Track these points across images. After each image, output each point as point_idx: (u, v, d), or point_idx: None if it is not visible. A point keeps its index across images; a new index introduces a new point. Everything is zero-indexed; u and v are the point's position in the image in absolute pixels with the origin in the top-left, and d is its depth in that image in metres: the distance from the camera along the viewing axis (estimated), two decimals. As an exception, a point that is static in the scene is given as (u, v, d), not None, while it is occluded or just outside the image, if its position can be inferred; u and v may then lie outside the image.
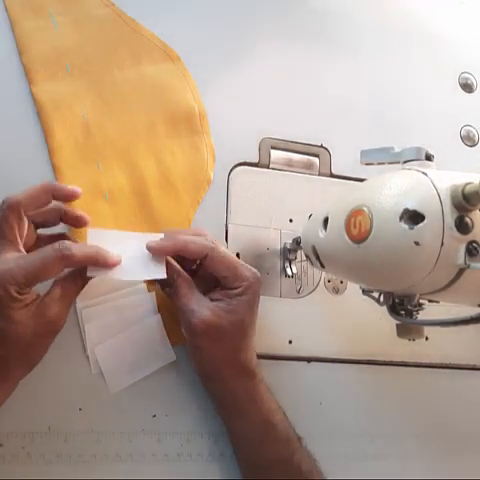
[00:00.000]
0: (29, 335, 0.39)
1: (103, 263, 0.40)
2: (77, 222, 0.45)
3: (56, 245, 0.39)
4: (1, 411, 0.41)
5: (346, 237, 0.40)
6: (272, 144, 0.56)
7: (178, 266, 0.45)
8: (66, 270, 0.40)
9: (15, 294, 0.37)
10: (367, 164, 0.44)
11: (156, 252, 0.43)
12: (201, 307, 0.43)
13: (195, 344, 0.44)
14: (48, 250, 0.39)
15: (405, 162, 0.41)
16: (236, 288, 0.44)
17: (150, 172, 0.51)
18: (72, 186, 0.43)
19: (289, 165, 0.57)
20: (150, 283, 0.48)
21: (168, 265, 0.44)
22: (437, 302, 0.42)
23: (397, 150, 0.42)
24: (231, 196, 0.54)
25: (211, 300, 0.44)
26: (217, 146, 0.54)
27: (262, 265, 0.53)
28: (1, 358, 0.39)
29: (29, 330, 0.39)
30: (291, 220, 0.55)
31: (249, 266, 0.45)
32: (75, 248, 0.39)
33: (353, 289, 0.53)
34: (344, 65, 0.62)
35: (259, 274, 0.45)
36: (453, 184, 0.36)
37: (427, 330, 0.43)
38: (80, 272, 0.41)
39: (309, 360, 0.52)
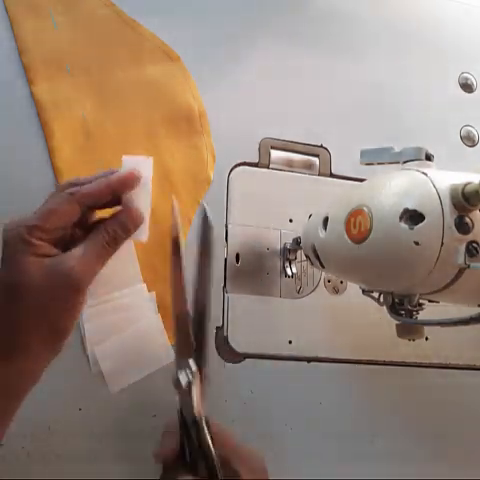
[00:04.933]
0: (43, 292, 0.35)
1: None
2: (127, 186, 0.40)
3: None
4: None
5: (346, 237, 0.40)
6: (272, 144, 0.56)
7: None
8: (95, 230, 0.38)
9: (27, 236, 0.35)
10: (367, 164, 0.44)
11: None
12: None
13: None
14: (59, 194, 0.38)
15: (405, 162, 0.41)
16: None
17: (150, 172, 0.51)
18: (125, 172, 0.39)
19: (289, 165, 0.57)
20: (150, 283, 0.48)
21: None
22: (437, 302, 0.42)
23: (397, 150, 0.42)
24: (231, 196, 0.54)
25: None
26: (217, 146, 0.54)
27: (262, 265, 0.53)
28: (16, 320, 0.35)
29: (42, 284, 0.35)
30: (291, 220, 0.55)
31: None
32: (84, 186, 0.38)
33: (353, 289, 0.53)
34: (344, 65, 0.62)
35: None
36: (453, 184, 0.36)
37: (427, 330, 0.42)
38: (108, 230, 0.38)
39: (309, 360, 0.52)
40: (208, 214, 0.43)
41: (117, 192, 0.39)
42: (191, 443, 0.39)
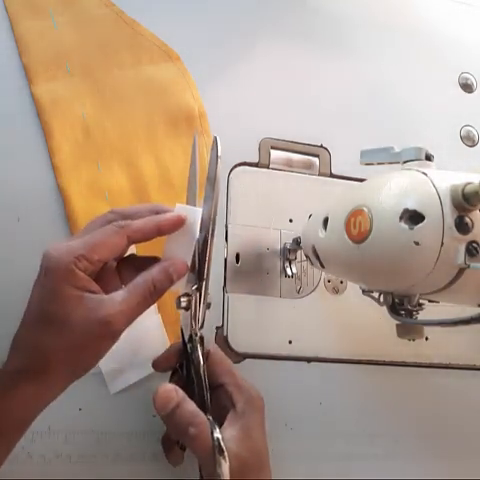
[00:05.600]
0: (77, 331, 0.35)
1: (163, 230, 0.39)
2: (175, 227, 0.40)
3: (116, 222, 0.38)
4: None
5: (346, 237, 0.40)
6: (272, 144, 0.56)
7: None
8: (139, 278, 0.38)
9: (72, 266, 0.35)
10: (367, 164, 0.44)
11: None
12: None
13: None
14: (108, 225, 0.38)
15: (405, 162, 0.41)
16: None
17: (150, 172, 0.51)
18: (175, 215, 0.40)
19: (289, 165, 0.57)
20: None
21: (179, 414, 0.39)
22: (437, 302, 0.42)
23: (397, 150, 0.42)
24: (231, 196, 0.54)
25: (222, 427, 0.39)
26: (217, 146, 0.54)
27: (262, 265, 0.53)
28: (45, 348, 0.35)
29: (77, 323, 0.35)
30: (291, 220, 0.55)
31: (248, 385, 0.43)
32: (134, 222, 0.38)
33: (353, 289, 0.53)
34: (344, 65, 0.62)
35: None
36: (453, 184, 0.36)
37: (427, 330, 0.42)
38: (154, 281, 0.38)
39: (309, 360, 0.52)
40: (218, 143, 0.42)
41: (163, 233, 0.40)
42: (186, 359, 0.42)
